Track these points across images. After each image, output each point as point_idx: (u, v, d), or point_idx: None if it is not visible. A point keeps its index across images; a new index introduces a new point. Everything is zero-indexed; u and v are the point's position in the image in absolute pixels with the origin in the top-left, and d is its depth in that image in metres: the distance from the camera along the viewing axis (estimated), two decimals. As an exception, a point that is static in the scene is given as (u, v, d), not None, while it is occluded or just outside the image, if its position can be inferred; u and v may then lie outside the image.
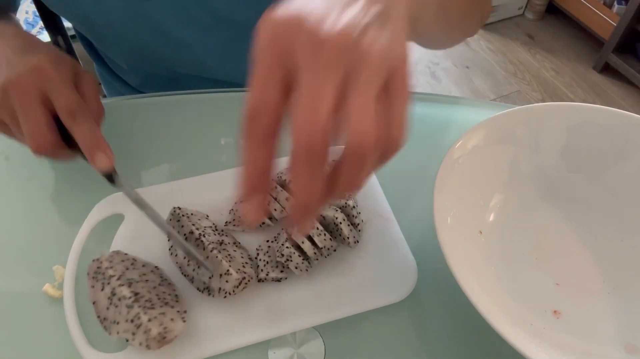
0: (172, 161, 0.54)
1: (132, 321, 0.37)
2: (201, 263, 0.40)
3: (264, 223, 0.45)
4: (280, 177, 0.47)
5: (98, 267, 0.40)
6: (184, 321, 0.39)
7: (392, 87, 0.26)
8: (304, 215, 0.26)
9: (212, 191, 0.48)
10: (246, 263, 0.42)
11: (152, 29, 0.57)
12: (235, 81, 0.67)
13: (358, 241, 0.45)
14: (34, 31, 1.87)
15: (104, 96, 0.79)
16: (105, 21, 0.56)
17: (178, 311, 0.39)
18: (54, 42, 0.87)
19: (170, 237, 0.42)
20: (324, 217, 0.44)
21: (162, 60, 0.63)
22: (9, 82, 0.40)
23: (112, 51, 0.63)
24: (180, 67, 0.65)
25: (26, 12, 1.97)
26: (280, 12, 0.25)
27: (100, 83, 0.78)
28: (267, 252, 0.44)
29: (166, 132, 0.56)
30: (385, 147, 0.26)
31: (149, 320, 0.37)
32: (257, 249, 0.44)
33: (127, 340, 0.37)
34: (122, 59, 0.65)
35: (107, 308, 0.39)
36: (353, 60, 0.24)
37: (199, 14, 0.57)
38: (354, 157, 0.25)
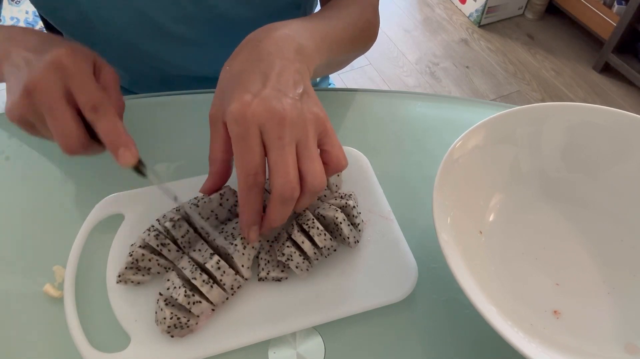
0: (170, 162, 0.54)
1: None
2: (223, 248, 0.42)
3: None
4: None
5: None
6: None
7: (326, 140, 0.39)
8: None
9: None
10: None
11: (147, 25, 0.57)
12: None
13: (358, 241, 0.45)
14: (34, 31, 1.87)
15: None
16: (99, 18, 0.56)
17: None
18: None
19: (203, 228, 0.44)
20: (324, 217, 0.44)
21: (154, 59, 0.63)
22: (31, 82, 0.38)
23: (103, 50, 0.63)
24: (172, 66, 0.64)
25: (26, 12, 1.97)
26: (253, 105, 0.36)
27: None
28: (269, 251, 0.44)
29: (164, 133, 0.56)
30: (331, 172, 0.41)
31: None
32: (258, 248, 0.44)
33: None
34: (113, 58, 0.64)
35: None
36: (299, 134, 0.37)
37: (193, 10, 0.57)
38: (314, 194, 0.39)
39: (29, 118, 0.40)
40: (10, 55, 0.42)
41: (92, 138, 0.41)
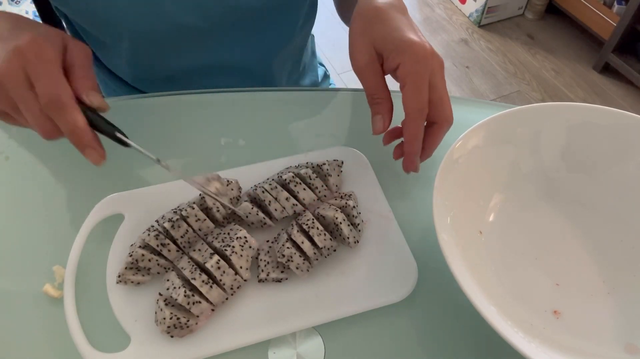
0: (172, 161, 0.54)
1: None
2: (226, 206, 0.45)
3: (265, 223, 0.45)
4: (281, 176, 0.47)
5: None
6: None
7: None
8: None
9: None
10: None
11: (160, 17, 0.57)
12: (240, 65, 0.67)
13: (358, 241, 0.45)
14: (34, 31, 1.87)
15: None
16: (109, 9, 0.56)
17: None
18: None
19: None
20: (324, 217, 0.44)
21: (164, 53, 0.62)
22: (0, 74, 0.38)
23: (113, 42, 0.63)
24: (180, 57, 0.64)
25: (26, 12, 1.97)
26: (428, 49, 0.43)
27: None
28: (268, 252, 0.44)
29: (166, 133, 0.56)
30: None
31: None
32: (258, 249, 0.44)
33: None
34: (121, 51, 0.64)
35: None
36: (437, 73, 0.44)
37: (208, 2, 0.57)
38: (446, 126, 0.46)
39: (2, 108, 0.41)
40: None
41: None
